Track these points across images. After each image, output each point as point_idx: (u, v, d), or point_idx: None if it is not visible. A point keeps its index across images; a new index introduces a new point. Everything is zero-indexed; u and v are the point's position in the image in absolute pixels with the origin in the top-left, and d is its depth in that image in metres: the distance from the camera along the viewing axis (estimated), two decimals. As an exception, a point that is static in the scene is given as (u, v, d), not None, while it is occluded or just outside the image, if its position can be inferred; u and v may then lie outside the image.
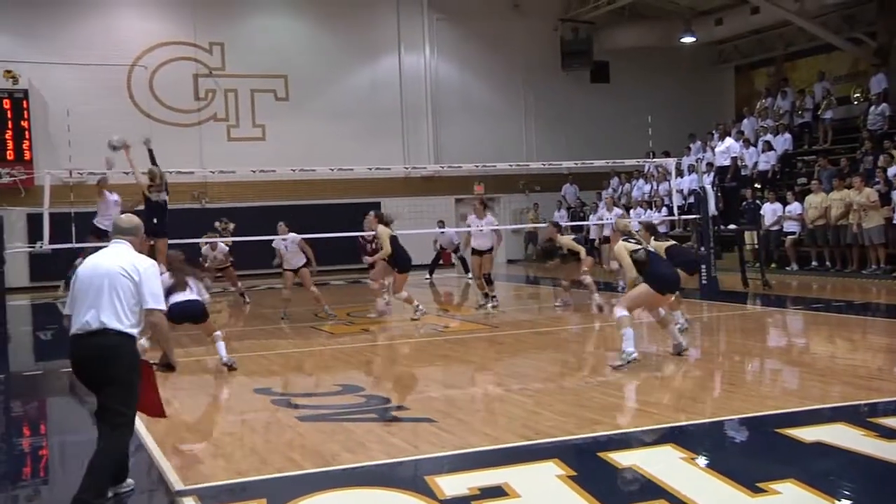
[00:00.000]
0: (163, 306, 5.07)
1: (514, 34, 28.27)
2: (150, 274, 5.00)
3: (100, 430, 4.88)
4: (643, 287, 8.71)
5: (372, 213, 14.05)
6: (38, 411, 8.69)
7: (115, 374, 4.84)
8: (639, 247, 8.87)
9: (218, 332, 9.69)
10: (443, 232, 21.53)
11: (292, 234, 13.98)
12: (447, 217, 24.49)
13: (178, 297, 9.48)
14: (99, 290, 4.85)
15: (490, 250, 14.84)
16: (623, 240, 9.01)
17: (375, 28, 27.31)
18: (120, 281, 4.88)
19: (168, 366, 5.13)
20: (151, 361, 5.09)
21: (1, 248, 12.21)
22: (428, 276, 21.65)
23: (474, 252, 15.05)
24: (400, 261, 13.20)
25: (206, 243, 16.40)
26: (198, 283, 9.97)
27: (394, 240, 13.12)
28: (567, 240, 14.67)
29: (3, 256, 12.25)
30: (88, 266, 5.04)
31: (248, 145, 25.32)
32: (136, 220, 5.31)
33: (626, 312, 8.65)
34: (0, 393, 9.66)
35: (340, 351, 10.89)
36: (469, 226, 15.21)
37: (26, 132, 23.41)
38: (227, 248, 16.58)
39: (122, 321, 4.85)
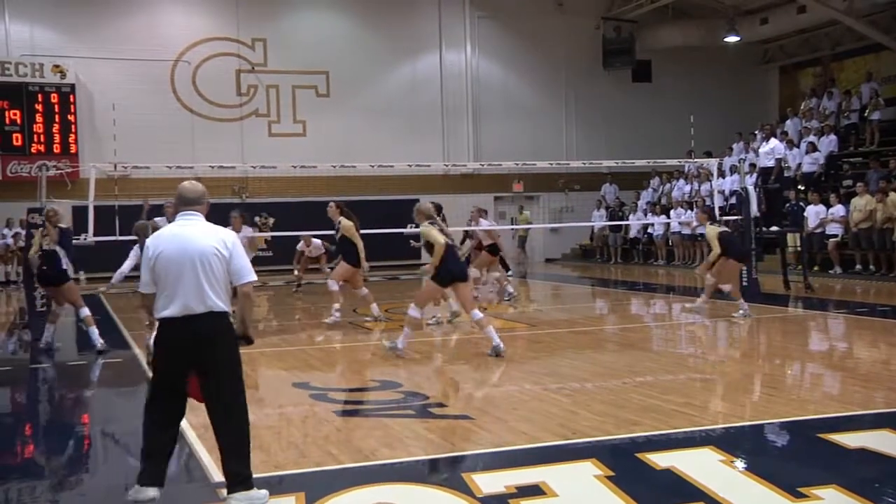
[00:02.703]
0: (254, 277, 4.95)
1: (555, 32, 28.16)
2: (237, 248, 4.90)
3: (215, 418, 4.80)
4: (429, 283, 9.68)
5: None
6: (83, 400, 8.83)
7: (227, 356, 4.82)
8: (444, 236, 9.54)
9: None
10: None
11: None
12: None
13: None
14: (194, 269, 4.73)
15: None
16: (431, 223, 9.69)
17: (417, 25, 27.37)
18: (213, 261, 4.77)
19: (247, 338, 5.03)
20: None
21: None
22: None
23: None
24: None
25: (301, 240, 18.18)
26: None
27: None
28: (712, 232, 12.51)
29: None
30: (172, 243, 4.83)
31: (289, 141, 25.51)
32: (200, 186, 5.03)
33: (418, 315, 9.68)
34: (45, 382, 9.85)
35: (378, 347, 10.92)
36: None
37: (73, 126, 23.82)
38: (320, 243, 18.01)
39: (225, 301, 4.81)
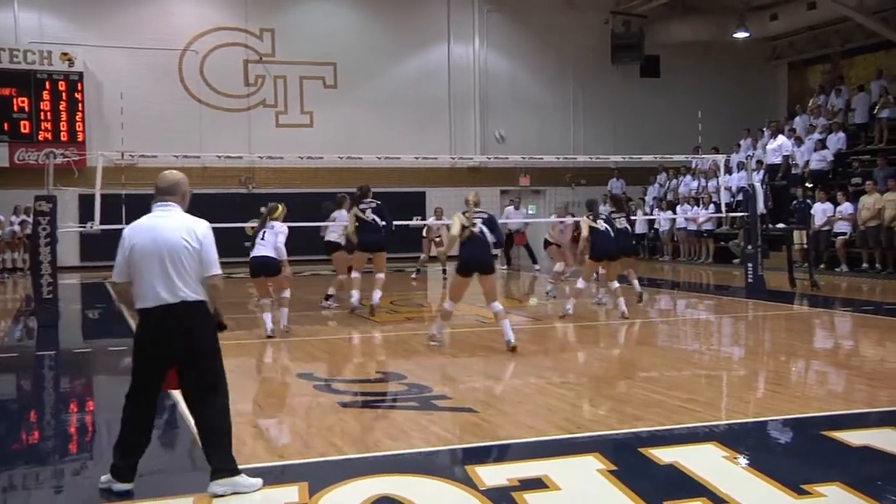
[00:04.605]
0: (220, 271, 4.95)
1: (564, 27, 28.08)
2: (209, 240, 4.89)
3: (195, 405, 4.89)
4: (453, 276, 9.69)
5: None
6: (87, 388, 8.86)
7: (203, 344, 4.85)
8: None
9: (286, 293, 10.49)
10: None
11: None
12: (493, 210, 24.17)
13: (256, 252, 10.41)
14: (163, 262, 4.77)
15: None
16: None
17: (425, 18, 27.31)
18: (182, 253, 4.78)
19: (220, 325, 5.10)
20: None
21: (53, 227, 12.43)
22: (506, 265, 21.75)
23: None
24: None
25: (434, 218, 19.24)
26: (277, 235, 10.70)
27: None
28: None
29: (55, 235, 12.47)
30: (145, 235, 4.86)
31: (296, 132, 25.50)
32: (179, 174, 5.04)
33: (448, 307, 9.66)
34: (51, 369, 9.89)
35: (383, 338, 10.94)
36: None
37: (80, 114, 23.84)
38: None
39: (197, 292, 4.82)
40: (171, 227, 4.85)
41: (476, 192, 9.79)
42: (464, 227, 9.21)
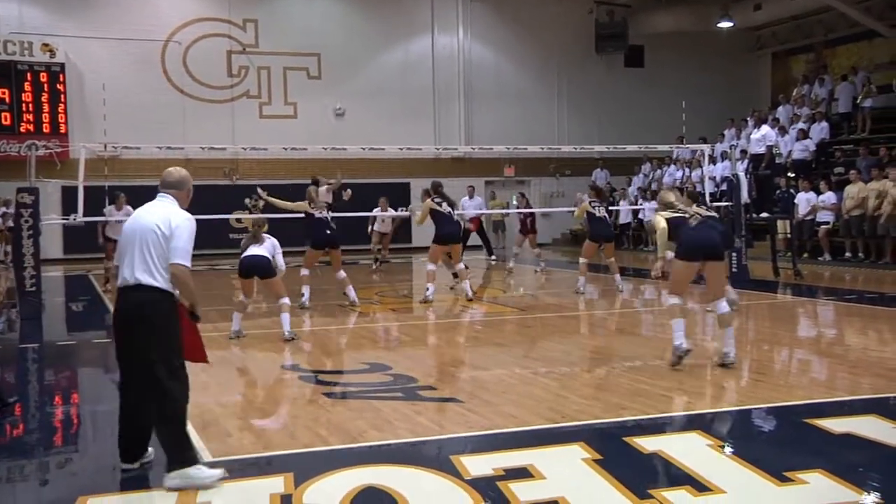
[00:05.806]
0: (185, 262, 4.89)
1: (548, 17, 28.07)
2: (181, 230, 4.90)
3: (144, 393, 4.86)
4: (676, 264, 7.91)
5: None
6: (70, 380, 8.82)
7: (156, 331, 4.83)
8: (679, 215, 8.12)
9: (285, 300, 9.84)
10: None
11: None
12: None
13: (249, 251, 9.97)
14: (133, 245, 4.90)
15: None
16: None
17: (409, 9, 27.24)
18: (151, 237, 4.87)
19: (193, 315, 5.11)
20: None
21: (36, 219, 12.34)
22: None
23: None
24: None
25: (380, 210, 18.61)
26: (275, 246, 10.21)
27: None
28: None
29: (38, 228, 12.39)
30: (130, 220, 5.11)
31: (280, 123, 25.40)
32: (184, 172, 5.22)
33: (678, 302, 7.89)
34: (34, 362, 9.83)
35: (368, 329, 10.93)
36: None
37: (62, 105, 23.65)
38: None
39: (156, 277, 4.84)
40: (150, 213, 5.02)
41: (675, 193, 8.86)
42: (686, 217, 7.99)
